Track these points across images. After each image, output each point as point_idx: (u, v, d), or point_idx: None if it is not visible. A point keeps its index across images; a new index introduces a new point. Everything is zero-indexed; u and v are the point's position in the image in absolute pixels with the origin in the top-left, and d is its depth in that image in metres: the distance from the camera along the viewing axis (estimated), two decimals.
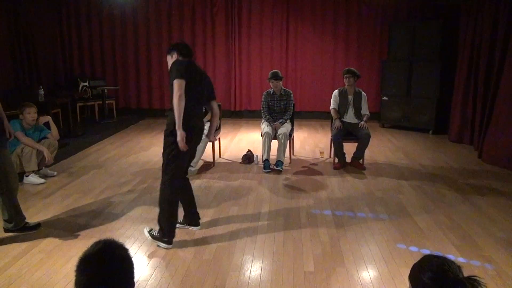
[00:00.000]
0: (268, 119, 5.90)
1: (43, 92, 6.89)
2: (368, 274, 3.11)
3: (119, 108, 9.68)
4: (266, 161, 5.65)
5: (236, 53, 9.47)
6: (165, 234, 3.50)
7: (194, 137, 3.52)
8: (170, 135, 3.38)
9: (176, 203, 3.56)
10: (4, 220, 3.70)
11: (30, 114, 5.07)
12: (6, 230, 3.71)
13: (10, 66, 7.76)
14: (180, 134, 3.27)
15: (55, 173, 5.43)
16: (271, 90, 5.95)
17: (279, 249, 3.48)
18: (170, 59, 3.53)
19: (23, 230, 3.74)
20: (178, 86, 3.24)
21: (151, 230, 3.61)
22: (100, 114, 9.09)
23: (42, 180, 5.11)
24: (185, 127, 3.30)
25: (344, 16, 9.10)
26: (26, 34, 8.16)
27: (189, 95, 3.32)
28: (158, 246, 3.51)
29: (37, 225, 3.84)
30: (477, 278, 1.45)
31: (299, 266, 3.21)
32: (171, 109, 3.33)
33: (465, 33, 7.15)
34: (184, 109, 3.28)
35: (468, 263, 3.25)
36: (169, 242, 3.51)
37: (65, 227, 3.89)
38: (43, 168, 5.30)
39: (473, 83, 6.96)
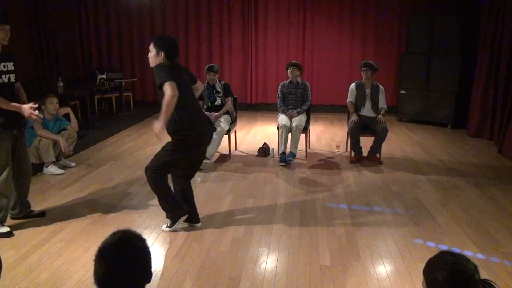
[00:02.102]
0: (284, 109, 5.90)
1: (62, 84, 6.99)
2: (384, 268, 3.09)
3: (136, 101, 9.75)
4: (283, 154, 5.64)
5: (252, 46, 9.44)
6: (174, 212, 3.64)
7: (199, 144, 3.57)
8: (174, 141, 3.45)
9: (164, 185, 3.57)
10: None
11: (52, 104, 5.18)
12: (11, 217, 3.80)
13: (30, 59, 7.89)
14: (159, 126, 3.23)
15: (74, 164, 5.51)
16: (288, 80, 5.95)
17: (295, 242, 3.48)
18: (155, 56, 3.39)
19: (27, 217, 3.86)
20: (170, 87, 3.17)
21: (166, 224, 3.71)
22: (117, 106, 9.17)
23: (61, 171, 5.20)
24: (191, 133, 3.41)
25: (361, 7, 8.98)
26: (46, 28, 8.27)
27: (183, 99, 3.33)
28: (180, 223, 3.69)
29: (42, 213, 3.96)
30: (492, 282, 1.42)
31: (315, 260, 3.20)
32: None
33: (486, 25, 6.99)
34: (184, 115, 3.37)
35: (487, 260, 3.21)
36: (183, 214, 3.66)
37: (83, 217, 3.95)
38: (62, 159, 5.39)
39: (494, 77, 6.81)
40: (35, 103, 3.56)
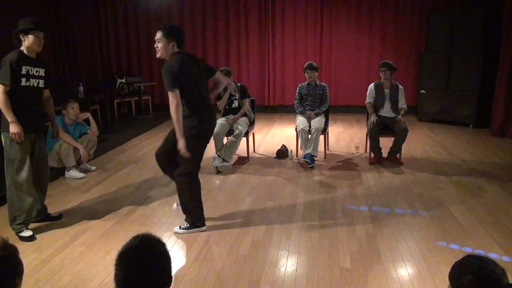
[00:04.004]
0: (301, 110, 5.86)
1: (83, 89, 7.09)
2: (406, 271, 3.03)
3: (155, 104, 9.85)
4: (308, 155, 5.52)
5: (269, 47, 9.44)
6: (196, 219, 3.69)
7: (206, 136, 3.63)
8: (190, 133, 3.47)
9: (198, 189, 3.67)
10: None
11: (73, 109, 5.27)
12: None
13: (51, 64, 8.02)
14: (182, 143, 3.33)
15: (94, 167, 5.58)
16: (307, 82, 5.92)
17: (315, 245, 3.45)
18: (166, 45, 3.40)
19: (44, 220, 3.95)
20: (172, 97, 3.28)
21: (180, 226, 3.73)
22: (136, 110, 9.28)
23: (82, 175, 5.27)
24: (197, 126, 3.44)
25: (380, 6, 8.89)
26: (66, 33, 8.41)
27: (191, 94, 3.39)
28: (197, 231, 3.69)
29: (59, 216, 4.05)
30: None
31: (335, 263, 3.17)
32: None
33: (509, 22, 6.84)
34: (192, 108, 3.42)
35: None
36: (202, 225, 3.71)
37: (104, 220, 4.00)
38: (83, 163, 5.46)
39: None
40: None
